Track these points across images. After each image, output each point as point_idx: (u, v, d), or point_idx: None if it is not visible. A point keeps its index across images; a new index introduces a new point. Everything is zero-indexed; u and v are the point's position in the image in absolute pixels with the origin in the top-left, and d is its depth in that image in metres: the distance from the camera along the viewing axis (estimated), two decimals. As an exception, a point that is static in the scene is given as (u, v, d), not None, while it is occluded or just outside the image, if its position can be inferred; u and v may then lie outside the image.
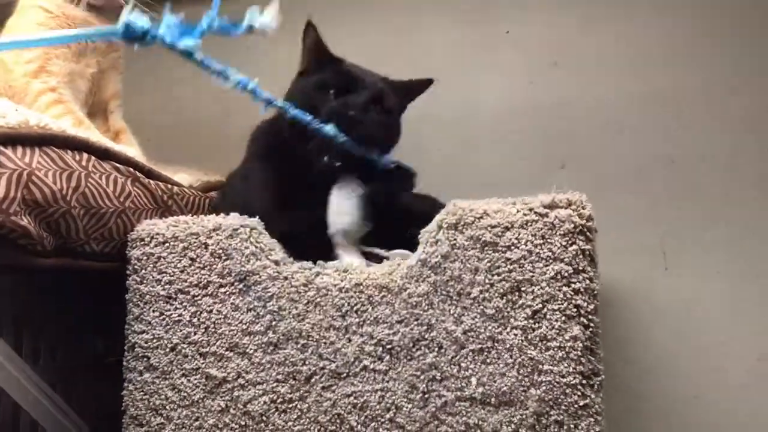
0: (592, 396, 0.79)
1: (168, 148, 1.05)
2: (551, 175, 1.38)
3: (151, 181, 1.04)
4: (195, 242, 0.95)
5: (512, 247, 0.84)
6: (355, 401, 0.86)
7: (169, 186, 1.10)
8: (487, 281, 0.84)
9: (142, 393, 0.94)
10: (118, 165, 1.00)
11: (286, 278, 0.92)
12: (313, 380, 0.88)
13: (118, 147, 1.08)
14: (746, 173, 1.31)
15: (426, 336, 0.85)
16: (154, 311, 0.95)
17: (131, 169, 1.01)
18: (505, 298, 0.83)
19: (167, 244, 0.96)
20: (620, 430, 1.25)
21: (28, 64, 1.17)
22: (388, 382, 0.86)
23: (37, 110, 1.09)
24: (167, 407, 0.93)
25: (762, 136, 1.31)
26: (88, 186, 0.92)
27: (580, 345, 0.80)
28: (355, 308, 0.89)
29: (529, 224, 0.83)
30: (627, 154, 1.37)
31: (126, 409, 0.94)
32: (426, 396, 0.84)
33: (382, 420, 0.85)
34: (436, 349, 0.85)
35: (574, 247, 0.82)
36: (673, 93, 1.37)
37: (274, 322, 0.91)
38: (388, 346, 0.86)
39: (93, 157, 0.96)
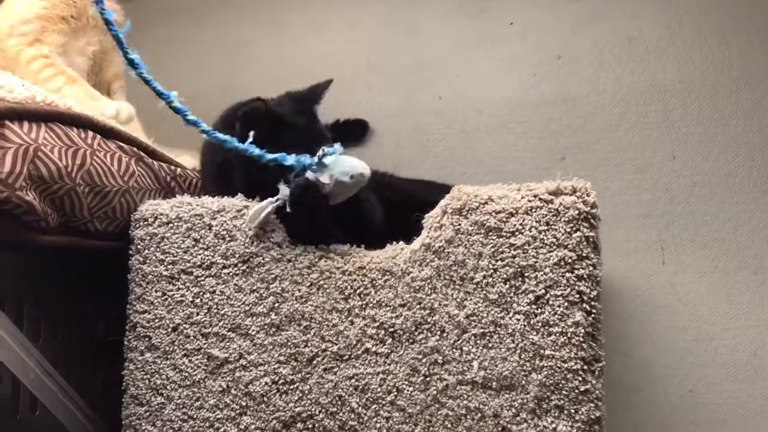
0: (593, 382, 0.80)
1: (172, 131, 1.04)
2: (552, 167, 1.39)
3: (155, 162, 1.04)
4: (199, 223, 0.95)
5: (516, 233, 0.84)
6: (357, 383, 0.87)
7: (173, 167, 1.10)
8: (490, 266, 0.84)
9: (142, 372, 0.94)
10: (122, 144, 1.00)
11: (289, 260, 0.92)
12: (314, 362, 0.89)
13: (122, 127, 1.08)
14: (746, 170, 1.32)
15: (428, 320, 0.86)
16: (156, 291, 0.95)
17: (135, 149, 1.01)
18: (508, 283, 0.83)
19: (171, 225, 0.96)
20: (616, 423, 1.26)
21: (23, 36, 1.18)
22: (389, 365, 0.86)
23: (28, 76, 1.10)
24: (168, 387, 0.93)
25: (764, 134, 1.32)
26: (93, 164, 0.91)
27: (582, 331, 0.80)
28: (358, 291, 0.89)
29: (533, 210, 0.84)
30: (628, 148, 1.38)
31: (126, 389, 0.95)
32: (427, 379, 0.85)
33: (383, 402, 0.86)
34: (439, 333, 0.85)
35: (578, 233, 0.82)
36: (675, 88, 1.38)
37: (276, 304, 0.91)
38: (391, 330, 0.87)
39: (98, 136, 0.96)
